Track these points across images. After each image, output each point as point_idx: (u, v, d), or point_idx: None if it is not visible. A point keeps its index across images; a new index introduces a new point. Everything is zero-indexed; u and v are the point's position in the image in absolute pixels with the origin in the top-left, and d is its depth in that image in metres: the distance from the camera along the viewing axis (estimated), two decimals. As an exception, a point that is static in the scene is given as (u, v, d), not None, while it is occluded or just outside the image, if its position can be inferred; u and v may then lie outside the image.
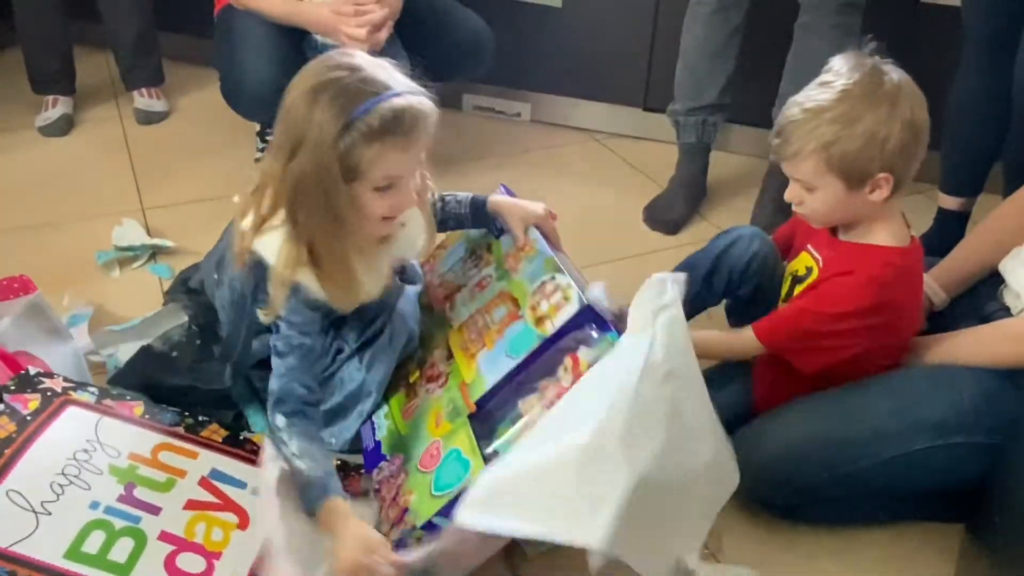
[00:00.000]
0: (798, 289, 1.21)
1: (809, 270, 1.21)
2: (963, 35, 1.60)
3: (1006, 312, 1.19)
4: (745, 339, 1.20)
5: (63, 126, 2.18)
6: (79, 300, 1.52)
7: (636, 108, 2.23)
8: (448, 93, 2.22)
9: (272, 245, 1.08)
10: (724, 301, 1.39)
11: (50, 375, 1.16)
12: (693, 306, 1.30)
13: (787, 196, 1.17)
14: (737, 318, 1.38)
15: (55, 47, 2.20)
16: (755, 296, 1.32)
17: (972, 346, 1.17)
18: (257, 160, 2.01)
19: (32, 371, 1.15)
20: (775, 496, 1.18)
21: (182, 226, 1.79)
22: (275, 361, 1.11)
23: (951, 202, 1.71)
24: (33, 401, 1.10)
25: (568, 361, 1.04)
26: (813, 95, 1.10)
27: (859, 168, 1.08)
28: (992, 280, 1.25)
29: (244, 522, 1.08)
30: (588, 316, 1.06)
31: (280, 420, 1.06)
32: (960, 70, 1.63)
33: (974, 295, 1.28)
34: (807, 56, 1.71)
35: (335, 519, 1.00)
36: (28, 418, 1.08)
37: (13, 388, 1.11)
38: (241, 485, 1.11)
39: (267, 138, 2.02)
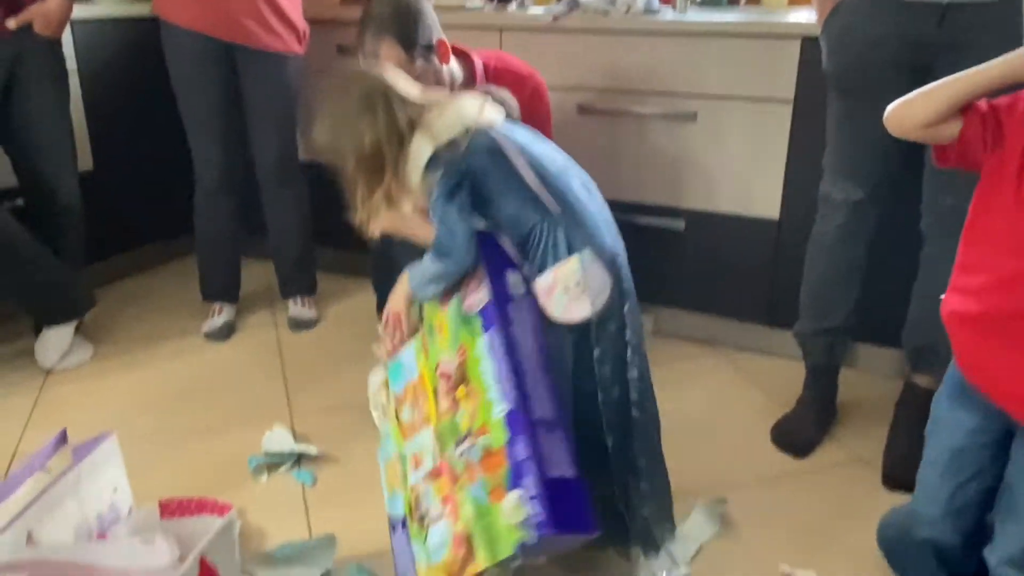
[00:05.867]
0: None
1: None
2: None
3: None
4: None
5: (225, 332, 2.40)
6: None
7: (761, 325, 2.26)
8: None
9: None
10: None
11: None
12: None
13: None
14: None
15: (227, 265, 2.47)
16: None
17: None
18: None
19: None
20: None
21: (326, 432, 1.91)
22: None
23: None
24: None
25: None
26: None
27: None
28: None
29: None
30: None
31: None
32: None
33: None
34: (936, 285, 1.71)
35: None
36: None
37: None
38: None
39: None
